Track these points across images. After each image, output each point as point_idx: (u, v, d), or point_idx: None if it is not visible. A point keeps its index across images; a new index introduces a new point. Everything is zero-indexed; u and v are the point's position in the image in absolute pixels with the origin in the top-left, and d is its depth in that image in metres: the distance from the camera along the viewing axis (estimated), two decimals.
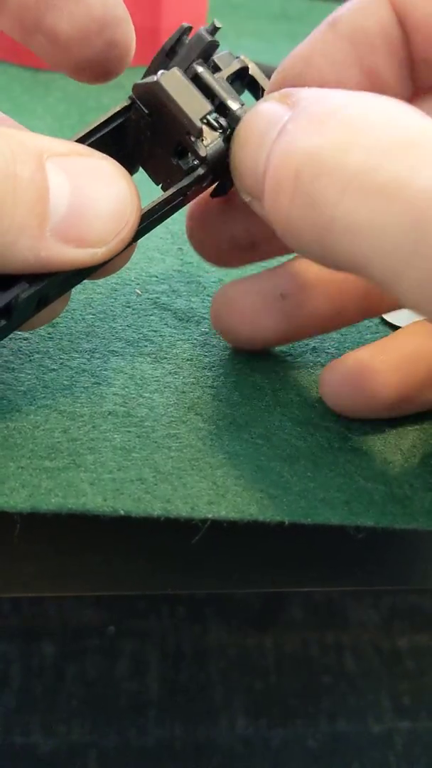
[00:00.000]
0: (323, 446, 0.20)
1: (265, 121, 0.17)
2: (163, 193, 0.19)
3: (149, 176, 0.20)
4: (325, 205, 0.14)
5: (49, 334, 0.23)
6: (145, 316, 0.24)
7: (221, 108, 0.18)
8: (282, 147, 0.15)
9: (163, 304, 0.25)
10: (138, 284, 0.25)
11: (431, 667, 0.24)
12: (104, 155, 0.18)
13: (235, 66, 0.19)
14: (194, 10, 0.46)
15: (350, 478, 0.19)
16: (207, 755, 0.23)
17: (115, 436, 0.20)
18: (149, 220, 0.19)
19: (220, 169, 0.19)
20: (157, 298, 0.25)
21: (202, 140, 0.18)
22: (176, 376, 0.22)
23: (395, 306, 0.22)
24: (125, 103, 0.19)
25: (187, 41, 0.19)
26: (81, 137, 0.19)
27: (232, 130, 0.18)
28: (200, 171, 0.18)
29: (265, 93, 0.20)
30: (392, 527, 0.19)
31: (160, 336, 0.23)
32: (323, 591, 0.24)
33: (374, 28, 0.18)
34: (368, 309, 0.22)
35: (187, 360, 0.22)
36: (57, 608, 0.24)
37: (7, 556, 0.20)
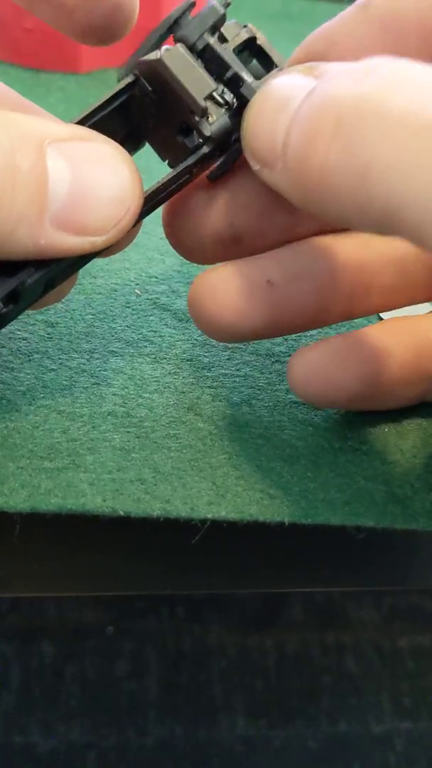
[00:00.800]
0: (323, 446, 0.20)
1: (289, 88, 0.17)
2: (169, 170, 0.19)
3: (155, 151, 0.20)
4: (365, 147, 0.14)
5: (48, 334, 0.23)
6: (145, 316, 0.24)
7: (234, 80, 0.18)
8: (322, 95, 0.15)
9: (163, 304, 0.25)
10: (137, 285, 0.25)
11: None
12: (107, 139, 0.17)
13: (243, 36, 0.19)
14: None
15: (350, 478, 0.19)
16: (207, 755, 0.22)
17: (115, 436, 0.20)
18: (154, 200, 0.18)
19: (226, 145, 0.18)
20: (157, 298, 0.25)
21: (207, 119, 0.18)
22: (176, 377, 0.22)
23: (380, 309, 0.22)
24: (129, 79, 0.19)
25: (190, 17, 0.19)
26: (85, 116, 0.18)
27: (242, 103, 0.18)
28: (205, 149, 0.18)
29: (285, 68, 0.19)
30: (393, 527, 0.19)
31: (160, 336, 0.23)
32: (323, 591, 0.24)
33: (410, 13, 0.18)
34: (352, 310, 0.21)
35: (187, 360, 0.22)
36: (56, 608, 0.24)
37: (7, 557, 0.20)
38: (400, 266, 0.20)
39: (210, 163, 0.19)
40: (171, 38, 0.19)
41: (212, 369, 0.22)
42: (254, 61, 0.20)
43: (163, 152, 0.20)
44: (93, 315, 0.24)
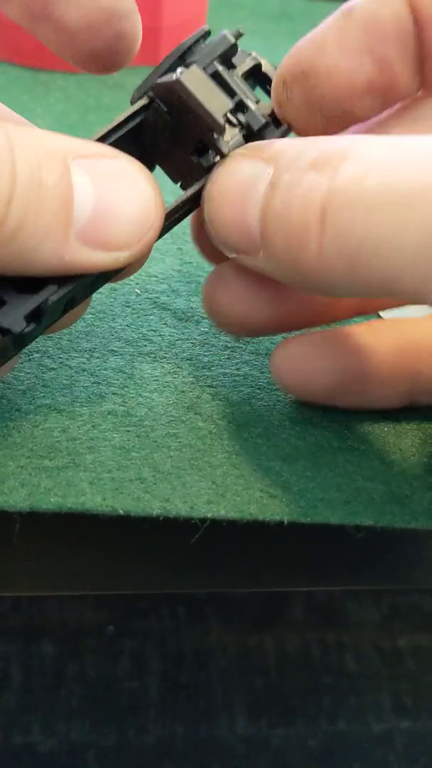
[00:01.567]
0: (322, 446, 0.20)
1: (244, 178, 0.17)
2: (182, 191, 0.19)
3: (167, 174, 0.20)
4: (352, 232, 0.15)
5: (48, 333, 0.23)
6: (145, 315, 0.24)
7: (240, 106, 0.19)
8: (298, 199, 0.16)
9: (163, 303, 0.25)
10: (137, 284, 0.25)
11: None
12: (129, 157, 0.17)
13: (249, 63, 0.19)
14: (194, 10, 0.45)
15: (350, 477, 0.19)
16: (207, 755, 0.22)
17: (115, 435, 0.20)
18: (171, 219, 0.19)
19: None
20: (157, 297, 0.25)
21: (224, 137, 0.18)
22: (175, 376, 0.22)
23: (387, 305, 0.22)
24: (144, 101, 0.19)
25: (203, 44, 0.19)
26: (101, 137, 0.18)
27: (250, 127, 0.18)
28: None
29: (275, 79, 0.20)
30: (392, 526, 0.19)
31: (160, 335, 0.23)
32: (323, 591, 0.24)
33: (389, 18, 0.19)
34: (363, 305, 0.22)
35: (187, 359, 0.22)
36: (57, 608, 0.24)
37: (7, 556, 0.20)
38: None
39: None
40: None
41: (212, 368, 0.22)
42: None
43: (175, 174, 0.20)
44: (93, 314, 0.24)
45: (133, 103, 0.19)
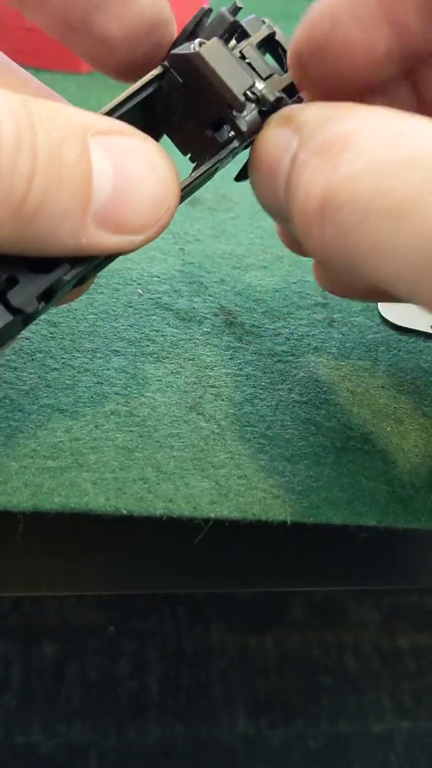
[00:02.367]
0: (325, 446, 0.20)
1: (274, 149, 0.17)
2: (192, 163, 0.19)
3: (176, 145, 0.20)
4: (349, 232, 0.15)
5: (51, 333, 0.23)
6: (147, 315, 0.24)
7: (257, 80, 0.18)
8: (304, 187, 0.16)
9: (165, 304, 0.25)
10: (140, 284, 0.25)
11: None
12: (145, 135, 0.17)
13: (264, 32, 0.19)
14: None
15: (353, 477, 0.19)
16: (208, 755, 0.22)
17: (118, 435, 0.20)
18: (184, 195, 0.18)
19: (251, 141, 0.18)
20: (159, 298, 0.25)
21: (243, 114, 0.18)
22: (178, 376, 0.22)
23: None
24: (157, 71, 0.18)
25: (207, 23, 0.19)
26: (113, 107, 0.18)
27: (265, 101, 0.18)
28: (236, 143, 0.18)
29: (289, 54, 0.19)
30: (395, 527, 0.19)
31: (162, 336, 0.23)
32: (324, 591, 0.24)
33: None
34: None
35: (189, 360, 0.22)
36: (57, 608, 0.24)
37: (10, 556, 0.20)
38: None
39: (233, 156, 0.19)
40: None
41: (214, 368, 0.22)
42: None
43: (185, 147, 0.20)
44: (95, 314, 0.24)
45: None
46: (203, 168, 0.18)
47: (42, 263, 0.16)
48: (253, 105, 0.18)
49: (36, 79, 0.21)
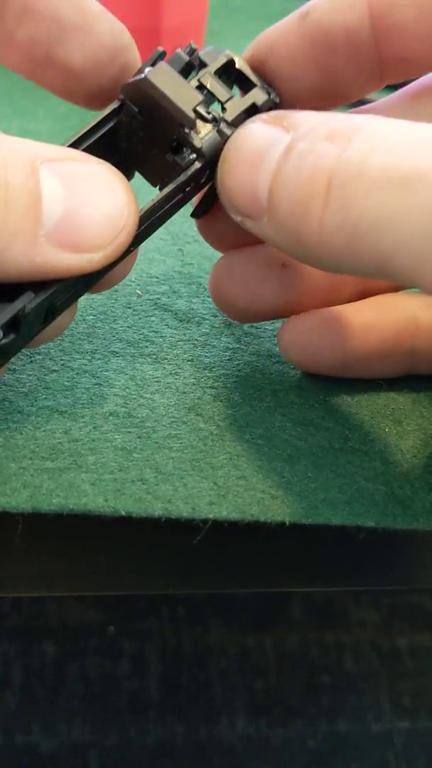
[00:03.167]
0: (324, 447, 0.20)
1: (262, 142, 0.17)
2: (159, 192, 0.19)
3: (146, 179, 0.20)
4: (354, 205, 0.15)
5: None
6: (146, 317, 0.24)
7: (211, 100, 0.19)
8: (309, 166, 0.16)
9: (164, 305, 0.25)
10: (138, 285, 0.25)
11: (431, 666, 0.24)
12: (100, 160, 0.17)
13: (221, 60, 0.19)
14: (194, 12, 0.46)
15: (351, 478, 0.19)
16: (207, 755, 0.23)
17: (116, 436, 0.20)
18: (149, 221, 0.19)
19: (214, 168, 0.19)
20: (158, 299, 0.25)
21: (197, 132, 0.18)
22: (177, 377, 0.22)
23: (391, 288, 0.23)
24: (114, 104, 0.19)
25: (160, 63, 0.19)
26: (73, 142, 0.18)
27: (225, 121, 0.18)
28: (197, 164, 0.18)
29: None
30: (393, 527, 0.19)
31: (161, 337, 0.23)
32: (323, 591, 0.24)
33: (339, 29, 0.19)
34: (365, 289, 0.22)
35: (188, 361, 0.22)
36: (57, 608, 0.24)
37: (9, 556, 0.20)
38: None
39: (202, 183, 0.19)
40: None
41: (213, 369, 0.22)
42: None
43: (153, 177, 0.20)
44: (94, 316, 0.24)
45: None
46: (166, 191, 0.18)
47: (6, 293, 0.17)
48: (210, 125, 0.18)
49: None
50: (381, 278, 0.16)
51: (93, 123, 0.19)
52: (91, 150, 0.18)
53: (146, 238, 0.19)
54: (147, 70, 0.18)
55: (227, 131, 0.18)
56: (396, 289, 0.23)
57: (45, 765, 0.22)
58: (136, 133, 0.19)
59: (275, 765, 0.23)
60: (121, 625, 0.24)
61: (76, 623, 0.24)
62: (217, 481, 0.19)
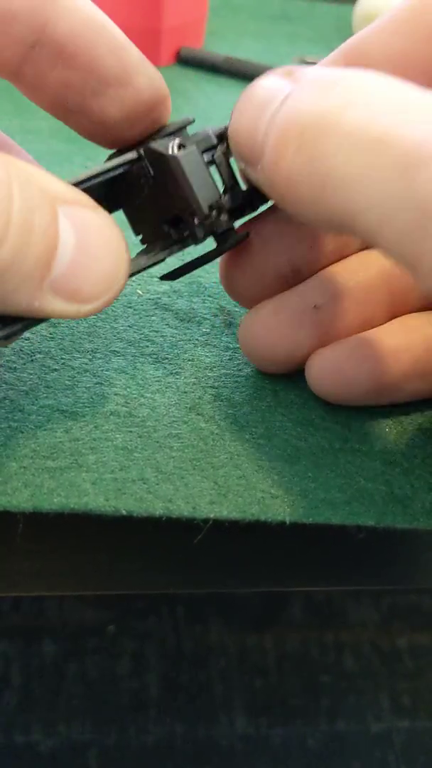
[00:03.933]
0: (324, 447, 0.20)
1: (268, 91, 0.17)
2: (141, 244, 0.20)
3: (129, 223, 0.21)
4: (324, 158, 0.15)
5: (50, 334, 0.23)
6: (147, 316, 0.24)
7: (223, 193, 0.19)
8: (289, 109, 0.16)
9: (165, 304, 0.25)
10: (139, 285, 0.25)
11: (430, 666, 0.24)
12: (106, 213, 0.17)
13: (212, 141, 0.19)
14: (195, 12, 0.46)
15: (351, 478, 0.19)
16: (207, 754, 0.23)
17: (117, 436, 0.20)
18: (130, 278, 0.19)
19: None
20: (159, 298, 0.25)
21: (203, 223, 0.19)
22: (177, 377, 0.22)
23: (423, 309, 0.22)
24: (132, 156, 0.19)
25: (185, 132, 0.20)
26: (82, 180, 0.18)
27: (226, 210, 0.19)
28: (190, 243, 0.19)
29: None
30: (393, 527, 0.19)
31: (162, 336, 0.23)
32: (323, 591, 0.24)
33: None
34: (395, 317, 0.22)
35: (189, 360, 0.22)
36: (58, 608, 0.24)
37: (10, 556, 0.20)
38: None
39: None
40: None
41: (214, 369, 0.22)
42: None
43: (138, 228, 0.20)
44: (95, 315, 0.24)
45: (112, 154, 0.20)
46: (153, 259, 0.19)
47: None
48: (214, 214, 0.19)
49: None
50: (346, 233, 0.16)
51: (107, 167, 0.19)
52: (93, 187, 0.19)
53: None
54: (177, 144, 0.18)
55: (224, 222, 0.19)
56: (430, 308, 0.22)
57: (45, 764, 0.22)
58: (141, 188, 0.19)
59: (275, 764, 0.23)
60: (121, 624, 0.24)
61: (76, 623, 0.24)
62: (217, 481, 0.19)
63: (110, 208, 0.20)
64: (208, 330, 0.24)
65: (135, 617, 0.25)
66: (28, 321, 0.18)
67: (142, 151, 0.19)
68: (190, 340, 0.23)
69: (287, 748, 0.23)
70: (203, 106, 0.42)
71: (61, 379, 0.21)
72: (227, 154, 0.19)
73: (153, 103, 0.19)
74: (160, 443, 0.20)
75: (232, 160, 0.19)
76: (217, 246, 0.20)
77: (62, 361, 0.22)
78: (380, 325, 0.22)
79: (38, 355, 0.22)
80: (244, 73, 0.45)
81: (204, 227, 0.19)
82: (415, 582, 0.22)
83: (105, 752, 0.23)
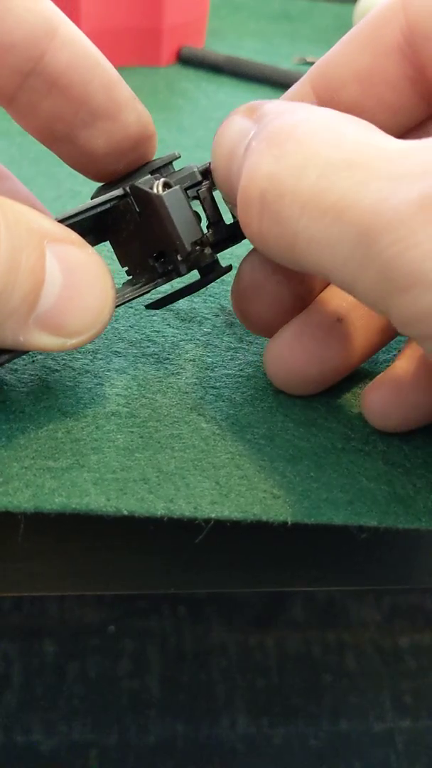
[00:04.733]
0: (326, 447, 0.20)
1: (234, 134, 0.18)
2: (127, 276, 0.21)
3: (115, 254, 0.21)
4: (288, 222, 0.16)
5: None
6: (148, 316, 0.24)
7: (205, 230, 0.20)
8: (247, 171, 0.16)
9: None
10: None
11: None
12: (93, 250, 0.18)
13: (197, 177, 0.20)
14: (196, 11, 0.45)
15: (353, 478, 0.19)
16: (208, 754, 0.23)
17: (119, 436, 0.20)
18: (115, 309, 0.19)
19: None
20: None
21: (186, 259, 0.19)
22: (179, 377, 0.22)
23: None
24: (118, 192, 0.19)
25: (171, 167, 0.20)
26: (69, 215, 0.19)
27: (210, 245, 0.19)
28: (174, 277, 0.20)
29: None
30: (395, 527, 0.19)
31: (163, 337, 0.23)
32: (324, 591, 0.24)
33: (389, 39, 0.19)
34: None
35: (190, 360, 0.22)
36: (58, 607, 0.24)
37: (11, 556, 0.20)
38: None
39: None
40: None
41: (215, 369, 0.22)
42: None
43: (124, 260, 0.21)
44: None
45: (98, 190, 0.20)
46: (138, 292, 0.20)
47: None
48: (197, 248, 0.19)
49: None
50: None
51: (93, 203, 0.19)
52: (80, 222, 0.19)
53: None
54: (162, 183, 0.19)
55: (208, 256, 0.19)
56: None
57: (45, 764, 0.22)
58: (127, 223, 0.20)
59: (276, 764, 0.23)
60: (121, 624, 0.24)
61: (77, 622, 0.24)
62: (219, 481, 0.19)
63: (97, 240, 0.20)
64: (209, 330, 0.24)
65: (136, 617, 0.25)
66: (14, 353, 0.18)
67: (128, 188, 0.19)
68: (191, 340, 0.23)
69: (289, 748, 0.23)
70: (204, 105, 0.42)
71: (63, 379, 0.21)
72: (211, 189, 0.20)
73: (140, 139, 0.20)
74: (161, 443, 0.20)
75: (216, 193, 0.20)
76: (201, 278, 0.21)
77: (63, 361, 0.22)
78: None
79: (39, 356, 0.22)
80: (244, 73, 0.45)
81: (187, 263, 0.19)
82: (418, 582, 0.22)
83: (105, 752, 0.23)
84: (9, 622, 0.24)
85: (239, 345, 0.23)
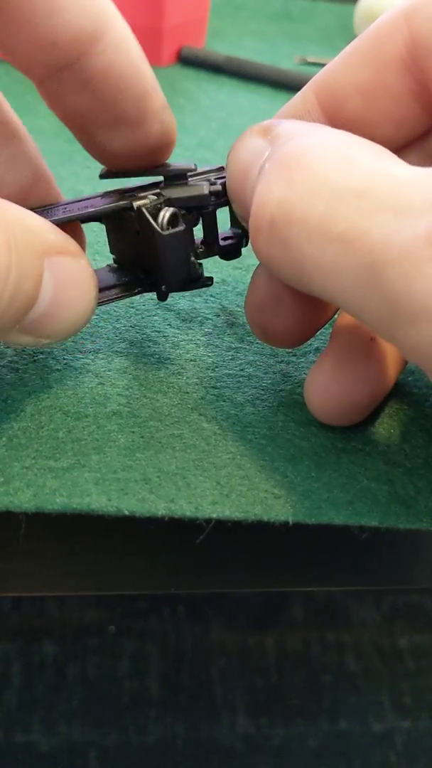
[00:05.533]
0: (327, 447, 0.20)
1: (249, 155, 0.18)
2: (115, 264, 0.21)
3: (107, 238, 0.21)
4: (296, 248, 0.16)
5: None
6: (149, 316, 0.24)
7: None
8: (258, 195, 0.17)
9: (166, 304, 0.25)
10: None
11: None
12: (84, 256, 0.18)
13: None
14: (196, 11, 0.45)
15: (354, 478, 0.19)
16: (208, 754, 0.23)
17: (120, 436, 0.20)
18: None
19: None
20: None
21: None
22: (180, 377, 0.22)
23: None
24: (125, 203, 0.19)
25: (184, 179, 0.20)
26: (75, 216, 0.19)
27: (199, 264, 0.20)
28: (155, 294, 0.20)
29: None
30: (396, 527, 0.19)
31: (164, 336, 0.23)
32: (324, 591, 0.24)
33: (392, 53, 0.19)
34: None
35: (191, 360, 0.22)
36: (58, 607, 0.24)
37: (12, 556, 0.20)
38: None
39: None
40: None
41: (216, 369, 0.22)
42: None
43: (114, 249, 0.21)
44: (97, 315, 0.24)
45: (101, 176, 0.21)
46: (120, 295, 0.20)
47: None
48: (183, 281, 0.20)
49: (14, 115, 0.22)
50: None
51: (100, 210, 0.19)
52: (79, 217, 0.19)
53: None
54: (166, 226, 0.19)
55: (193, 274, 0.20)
56: None
57: (45, 764, 0.22)
58: (127, 230, 0.20)
59: (276, 764, 0.23)
60: (121, 624, 0.24)
61: (77, 623, 0.24)
62: (220, 481, 0.19)
63: (93, 220, 0.20)
64: (210, 330, 0.24)
65: (136, 617, 0.25)
66: None
67: (135, 208, 0.19)
68: (192, 340, 0.23)
69: (288, 748, 0.23)
70: (205, 105, 0.42)
71: (64, 379, 0.21)
72: (216, 210, 0.20)
73: (158, 148, 0.20)
74: (162, 443, 0.20)
75: (219, 213, 0.20)
76: (182, 287, 0.21)
77: (64, 361, 0.22)
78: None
79: (40, 356, 0.22)
80: (245, 73, 0.45)
81: (171, 292, 0.20)
82: (418, 582, 0.22)
83: (105, 752, 0.23)
84: (9, 622, 0.24)
85: (240, 345, 0.23)
